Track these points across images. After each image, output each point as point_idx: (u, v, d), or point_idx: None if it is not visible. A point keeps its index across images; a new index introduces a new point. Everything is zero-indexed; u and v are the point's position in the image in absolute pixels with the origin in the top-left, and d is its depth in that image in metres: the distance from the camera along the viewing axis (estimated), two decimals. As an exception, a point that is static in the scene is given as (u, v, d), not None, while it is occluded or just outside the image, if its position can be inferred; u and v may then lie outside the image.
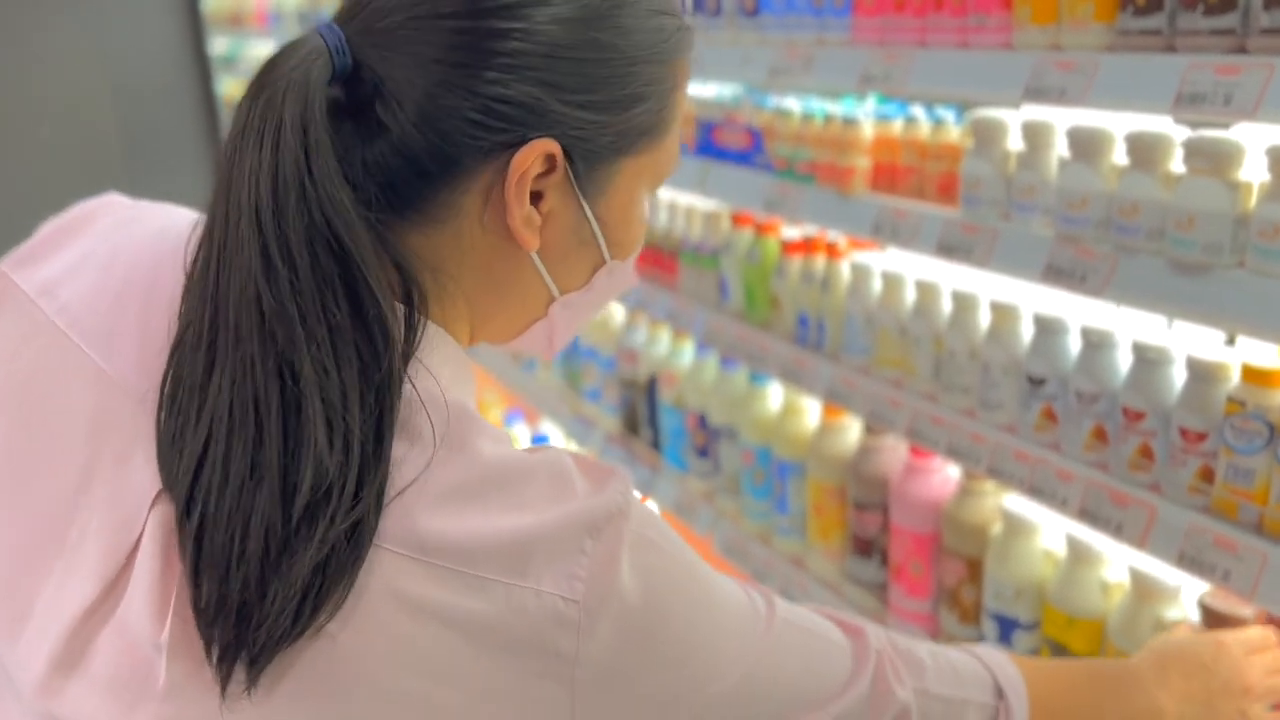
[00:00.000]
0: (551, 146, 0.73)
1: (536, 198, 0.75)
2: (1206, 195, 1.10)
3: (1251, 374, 1.12)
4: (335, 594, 0.65)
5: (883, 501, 1.72)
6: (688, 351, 2.27)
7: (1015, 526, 1.46)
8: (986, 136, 1.40)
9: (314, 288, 0.67)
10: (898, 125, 1.63)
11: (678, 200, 2.20)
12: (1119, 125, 1.23)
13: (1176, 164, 1.17)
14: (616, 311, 2.55)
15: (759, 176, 1.84)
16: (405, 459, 0.68)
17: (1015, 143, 1.39)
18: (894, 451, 1.73)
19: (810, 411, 1.92)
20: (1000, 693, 0.92)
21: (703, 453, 2.18)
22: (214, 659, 0.65)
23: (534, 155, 0.72)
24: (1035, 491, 1.36)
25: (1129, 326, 1.30)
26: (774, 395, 2.00)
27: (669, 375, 2.27)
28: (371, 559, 0.66)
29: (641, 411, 2.42)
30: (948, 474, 1.63)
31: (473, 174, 0.73)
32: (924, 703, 0.86)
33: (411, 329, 0.71)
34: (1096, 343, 1.30)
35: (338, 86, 0.72)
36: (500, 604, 0.66)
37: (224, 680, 0.65)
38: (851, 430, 1.81)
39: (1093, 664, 1.14)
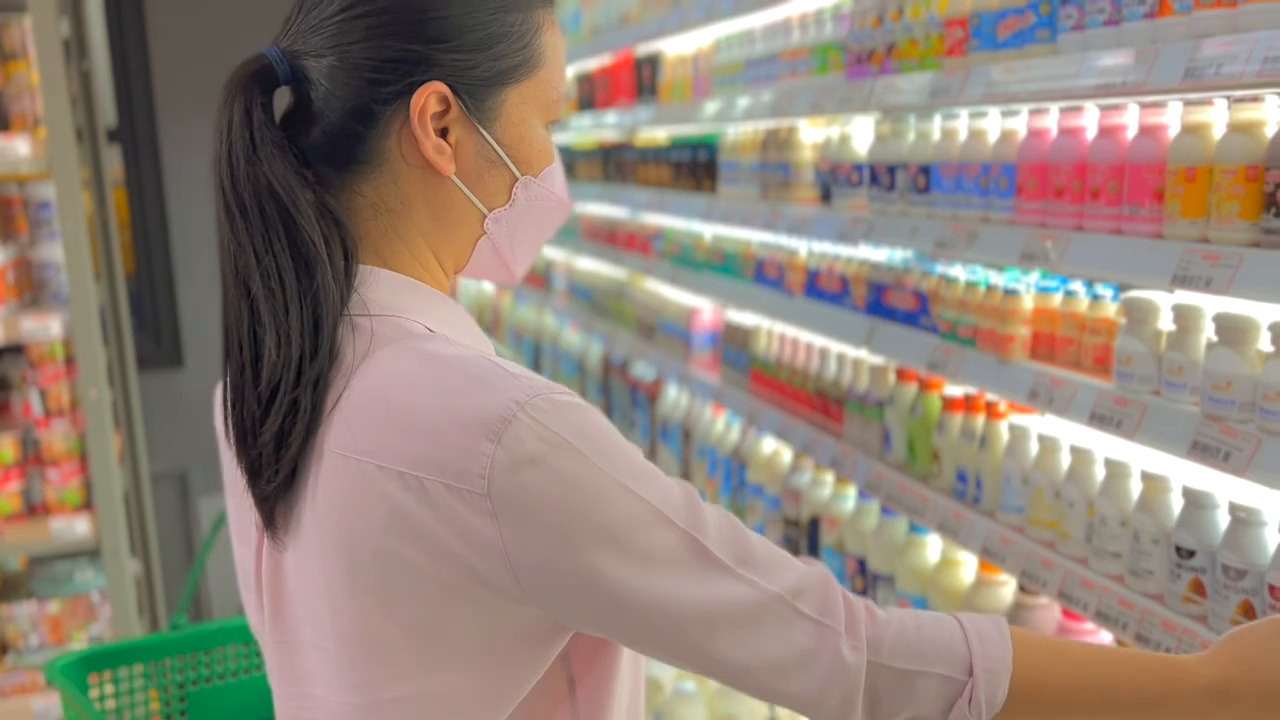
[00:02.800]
0: (440, 87, 0.94)
1: (445, 134, 0.96)
2: (1347, 387, 1.16)
3: (1397, 562, 1.15)
4: (293, 448, 0.89)
5: (1034, 660, 1.75)
6: (850, 496, 2.36)
7: (1165, 696, 1.47)
8: (1139, 316, 1.48)
9: (262, 230, 0.91)
10: (1057, 298, 1.73)
11: (846, 351, 2.34)
12: (1265, 314, 1.30)
13: (1319, 355, 1.23)
14: (784, 452, 2.68)
15: (924, 337, 1.96)
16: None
17: (1167, 323, 1.47)
18: (1048, 611, 1.76)
19: (968, 565, 1.97)
20: (971, 670, 0.87)
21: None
22: (256, 508, 0.94)
23: (426, 95, 0.93)
24: (1182, 662, 1.38)
25: (1277, 505, 1.33)
26: (933, 546, 2.06)
27: (831, 519, 2.36)
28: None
29: (803, 552, 2.51)
30: (1101, 636, 1.66)
31: (387, 121, 0.95)
32: (873, 673, 0.85)
33: (348, 260, 0.94)
34: (1244, 519, 1.34)
35: (290, 89, 0.97)
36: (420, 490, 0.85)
37: (266, 522, 0.94)
38: (1008, 586, 1.86)
39: (1142, 656, 0.96)
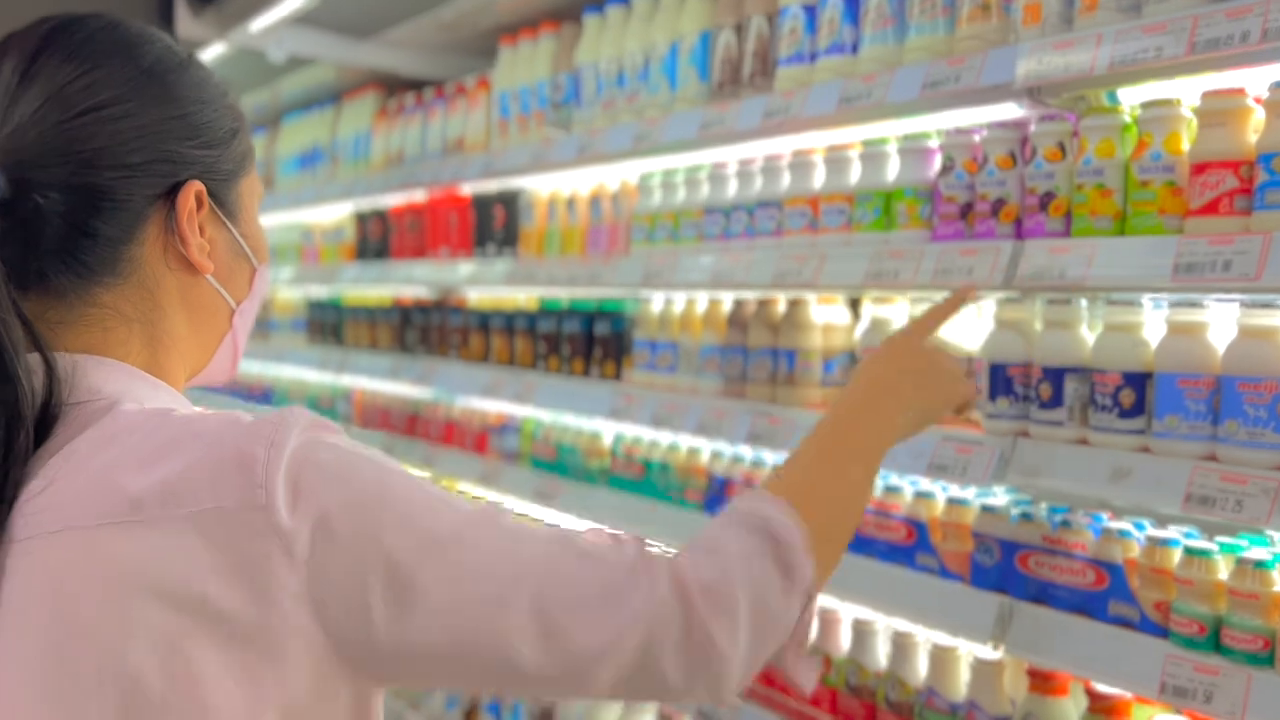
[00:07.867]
0: (198, 186, 0.93)
1: (200, 232, 0.95)
2: None
3: None
4: None
5: None
6: None
7: None
8: None
9: None
10: None
11: (914, 632, 1.59)
12: None
13: None
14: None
15: (1130, 638, 1.26)
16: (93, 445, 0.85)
17: None
18: None
19: None
20: (771, 536, 0.94)
21: None
22: None
23: (189, 194, 0.92)
24: None
25: None
26: None
27: None
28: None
29: None
30: None
31: (144, 226, 0.91)
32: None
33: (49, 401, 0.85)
34: None
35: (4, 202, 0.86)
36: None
37: None
38: None
39: (833, 431, 1.07)
